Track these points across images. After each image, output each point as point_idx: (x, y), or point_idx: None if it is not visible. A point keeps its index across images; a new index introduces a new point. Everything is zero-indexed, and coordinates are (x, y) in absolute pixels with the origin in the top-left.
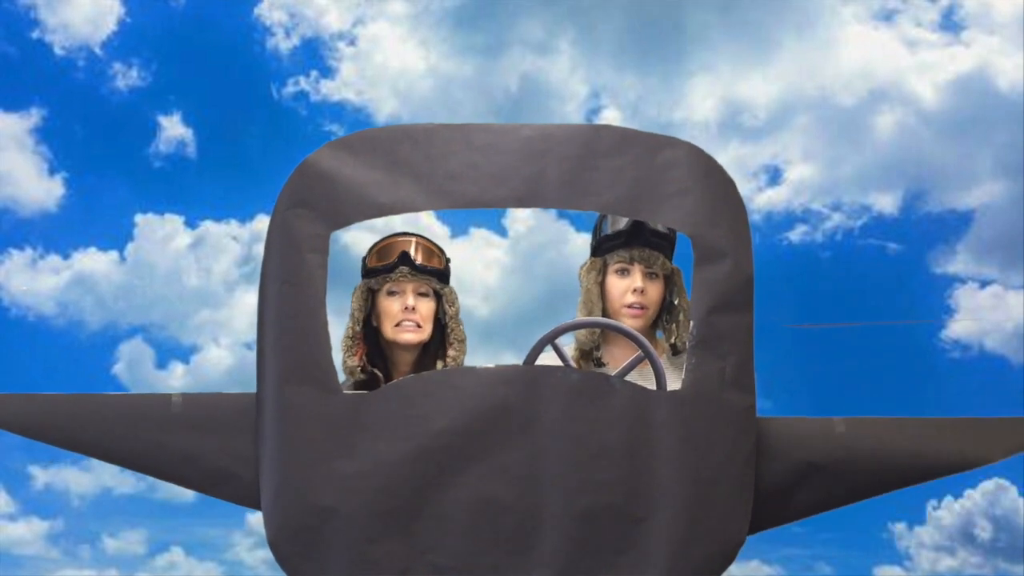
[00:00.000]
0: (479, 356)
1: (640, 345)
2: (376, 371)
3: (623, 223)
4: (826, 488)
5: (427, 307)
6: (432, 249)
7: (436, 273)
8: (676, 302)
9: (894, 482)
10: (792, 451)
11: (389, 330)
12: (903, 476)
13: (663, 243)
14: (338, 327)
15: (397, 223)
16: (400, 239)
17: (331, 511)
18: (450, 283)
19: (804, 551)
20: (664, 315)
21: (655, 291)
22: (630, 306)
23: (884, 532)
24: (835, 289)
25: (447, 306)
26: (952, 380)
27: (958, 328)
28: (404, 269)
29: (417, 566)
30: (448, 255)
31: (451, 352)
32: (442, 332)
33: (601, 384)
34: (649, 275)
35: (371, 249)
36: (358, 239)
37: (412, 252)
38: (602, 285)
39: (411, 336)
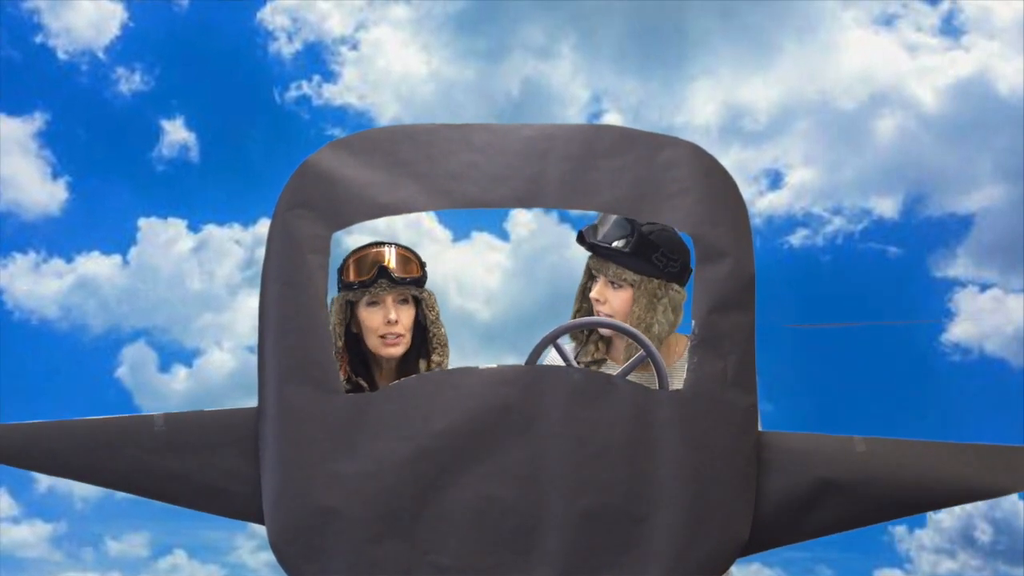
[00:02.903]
0: (481, 359)
1: (642, 344)
2: (361, 381)
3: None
4: (842, 508)
5: (408, 315)
6: (408, 257)
7: (414, 281)
8: (637, 317)
9: (912, 506)
10: (810, 468)
11: (372, 343)
12: (922, 501)
13: (613, 253)
14: None
15: (399, 222)
16: (374, 250)
17: (332, 512)
18: (426, 286)
19: (805, 554)
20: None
21: (619, 301)
22: (597, 312)
23: (884, 535)
24: (836, 293)
25: (427, 310)
26: (952, 383)
27: (958, 331)
28: (383, 282)
29: (419, 566)
30: (424, 259)
31: (435, 357)
32: (423, 335)
33: (602, 384)
34: (612, 284)
35: (346, 261)
36: (360, 242)
37: (389, 263)
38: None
39: (395, 350)
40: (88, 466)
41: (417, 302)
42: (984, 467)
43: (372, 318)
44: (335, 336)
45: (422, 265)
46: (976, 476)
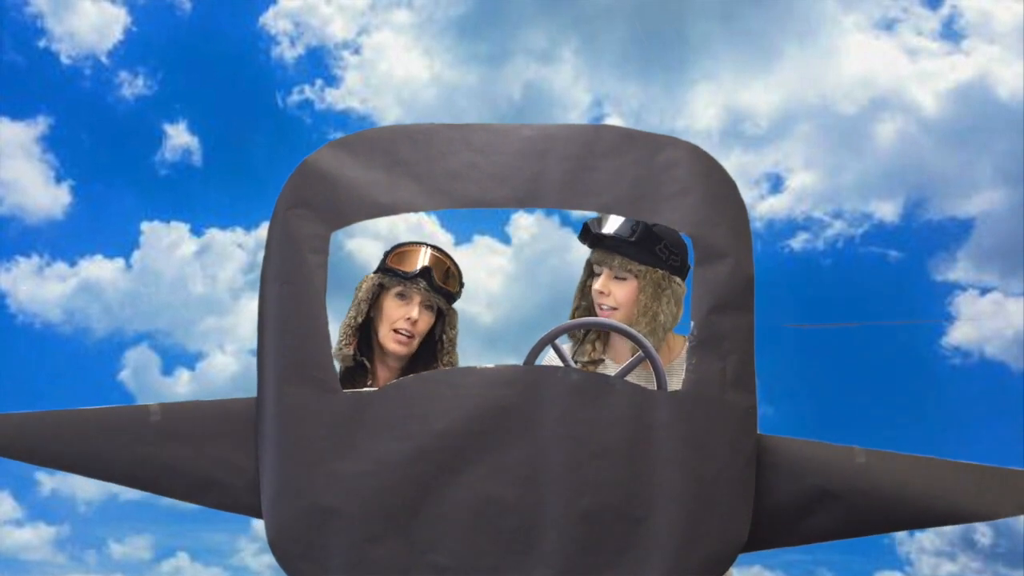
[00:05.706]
0: (483, 362)
1: (640, 345)
2: (366, 361)
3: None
4: (838, 517)
5: (426, 322)
6: (453, 273)
7: (447, 294)
8: (643, 305)
9: (909, 521)
10: (808, 475)
11: (383, 331)
12: (918, 517)
13: (620, 244)
14: (336, 325)
15: (400, 224)
16: (431, 252)
17: (331, 511)
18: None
19: (805, 556)
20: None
21: (624, 293)
22: (600, 307)
23: (885, 537)
24: (837, 296)
25: (448, 328)
26: (952, 386)
27: (958, 334)
28: (421, 282)
29: (417, 566)
30: (463, 281)
31: None
32: (432, 348)
33: (601, 384)
34: (617, 277)
35: (396, 247)
36: (361, 245)
37: (435, 269)
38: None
39: (400, 348)
40: (81, 457)
41: (440, 316)
42: (984, 489)
43: (395, 310)
44: (358, 311)
45: (460, 285)
46: (976, 497)
